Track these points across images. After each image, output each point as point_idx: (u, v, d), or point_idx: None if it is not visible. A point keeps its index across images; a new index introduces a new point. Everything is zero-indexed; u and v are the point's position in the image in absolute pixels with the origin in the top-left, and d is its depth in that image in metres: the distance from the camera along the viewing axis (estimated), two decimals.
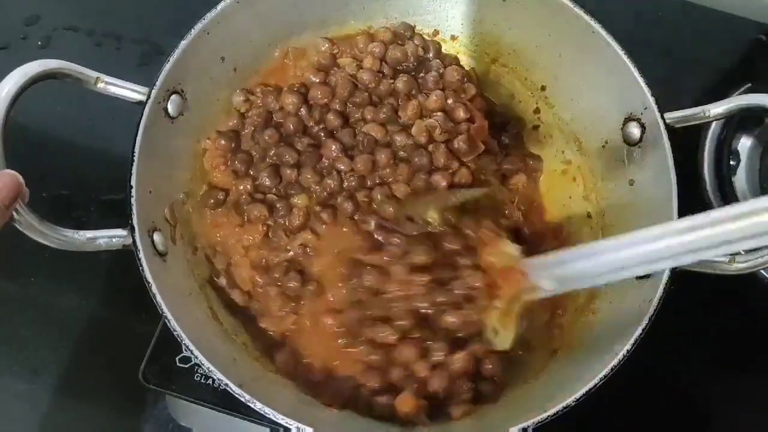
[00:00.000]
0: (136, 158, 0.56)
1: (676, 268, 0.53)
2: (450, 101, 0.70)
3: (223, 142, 0.67)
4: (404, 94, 0.70)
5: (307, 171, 0.66)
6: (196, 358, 0.52)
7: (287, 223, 0.66)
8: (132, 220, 0.54)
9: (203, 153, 0.67)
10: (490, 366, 0.61)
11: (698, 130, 0.78)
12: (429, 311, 0.61)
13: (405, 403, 0.58)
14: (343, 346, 0.62)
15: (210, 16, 0.61)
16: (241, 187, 0.66)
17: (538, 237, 0.69)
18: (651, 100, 0.60)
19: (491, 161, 0.70)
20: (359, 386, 0.60)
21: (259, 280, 0.65)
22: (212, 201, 0.66)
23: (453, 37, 0.75)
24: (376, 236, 0.65)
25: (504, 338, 0.58)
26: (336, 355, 0.62)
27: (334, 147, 0.67)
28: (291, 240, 0.66)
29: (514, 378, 0.62)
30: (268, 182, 0.66)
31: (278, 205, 0.66)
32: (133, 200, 0.55)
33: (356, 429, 0.60)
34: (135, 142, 0.56)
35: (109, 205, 0.74)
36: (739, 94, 0.77)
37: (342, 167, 0.66)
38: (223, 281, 0.64)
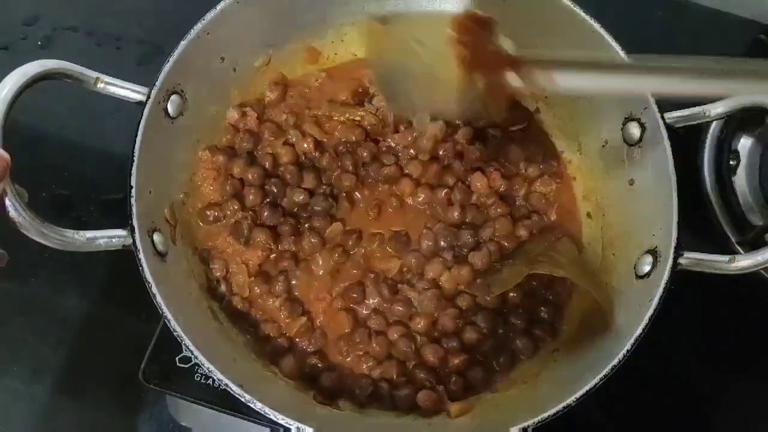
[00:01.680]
0: (136, 158, 0.56)
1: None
2: None
3: (221, 158, 0.67)
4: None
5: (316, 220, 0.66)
6: (196, 358, 0.52)
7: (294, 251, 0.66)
8: (132, 220, 0.54)
9: (199, 162, 0.67)
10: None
11: (698, 130, 0.78)
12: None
13: (426, 395, 0.60)
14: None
15: (210, 16, 0.61)
16: (229, 209, 0.66)
17: None
18: (651, 100, 0.60)
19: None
20: (379, 382, 0.61)
21: (257, 289, 0.64)
22: (211, 219, 0.66)
23: None
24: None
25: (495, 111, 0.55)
26: (347, 354, 0.63)
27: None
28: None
29: (514, 377, 0.63)
30: (268, 217, 0.66)
31: (285, 239, 0.66)
32: (133, 200, 0.55)
33: (356, 429, 0.60)
34: (135, 142, 0.56)
35: (109, 205, 0.74)
36: None
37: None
38: (222, 288, 0.64)
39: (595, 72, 0.49)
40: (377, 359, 0.63)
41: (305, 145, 0.69)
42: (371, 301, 0.65)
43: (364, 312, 0.65)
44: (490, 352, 0.63)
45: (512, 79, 0.50)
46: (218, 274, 0.64)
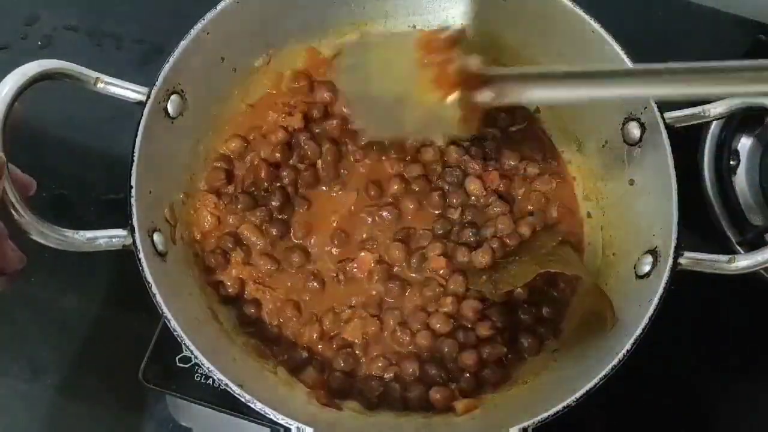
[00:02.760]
0: (136, 158, 0.56)
1: None
2: None
3: (222, 203, 0.66)
4: None
5: None
6: (196, 358, 0.52)
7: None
8: (132, 220, 0.54)
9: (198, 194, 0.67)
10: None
11: (698, 130, 0.78)
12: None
13: (439, 391, 0.60)
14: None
15: (210, 16, 0.61)
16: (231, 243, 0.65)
17: None
18: (651, 100, 0.60)
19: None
20: (390, 382, 0.61)
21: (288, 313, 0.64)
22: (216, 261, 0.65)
23: None
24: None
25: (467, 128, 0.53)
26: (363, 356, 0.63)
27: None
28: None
29: (515, 377, 0.63)
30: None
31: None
32: (133, 200, 0.55)
33: (356, 429, 0.60)
34: (135, 142, 0.56)
35: (109, 205, 0.74)
36: None
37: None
38: (230, 289, 0.65)
39: (564, 83, 0.49)
40: (390, 360, 0.63)
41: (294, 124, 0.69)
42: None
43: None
44: (500, 350, 0.63)
45: (484, 95, 0.50)
46: (231, 290, 0.65)
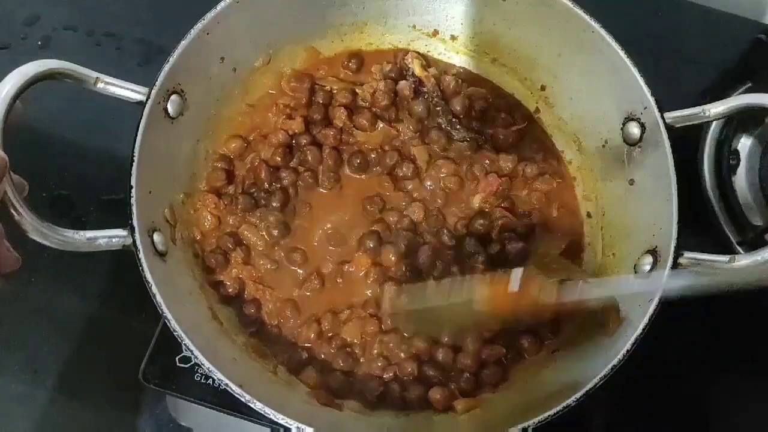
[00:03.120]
0: (136, 158, 0.56)
1: None
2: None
3: (223, 203, 0.66)
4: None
5: None
6: (196, 358, 0.52)
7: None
8: (132, 220, 0.54)
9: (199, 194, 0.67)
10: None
11: (698, 130, 0.78)
12: None
13: (437, 392, 0.60)
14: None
15: (210, 16, 0.61)
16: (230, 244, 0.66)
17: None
18: (651, 100, 0.60)
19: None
20: (389, 383, 0.61)
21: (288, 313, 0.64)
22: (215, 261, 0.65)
23: (453, 37, 0.75)
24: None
25: None
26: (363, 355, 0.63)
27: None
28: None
29: (515, 377, 0.63)
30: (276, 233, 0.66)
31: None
32: (133, 200, 0.55)
33: (356, 429, 0.60)
34: (135, 142, 0.56)
35: (109, 205, 0.74)
36: (739, 94, 0.77)
37: None
38: (230, 289, 0.65)
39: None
40: (389, 360, 0.63)
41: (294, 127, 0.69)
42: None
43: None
44: (499, 350, 0.63)
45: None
46: (229, 283, 0.65)
